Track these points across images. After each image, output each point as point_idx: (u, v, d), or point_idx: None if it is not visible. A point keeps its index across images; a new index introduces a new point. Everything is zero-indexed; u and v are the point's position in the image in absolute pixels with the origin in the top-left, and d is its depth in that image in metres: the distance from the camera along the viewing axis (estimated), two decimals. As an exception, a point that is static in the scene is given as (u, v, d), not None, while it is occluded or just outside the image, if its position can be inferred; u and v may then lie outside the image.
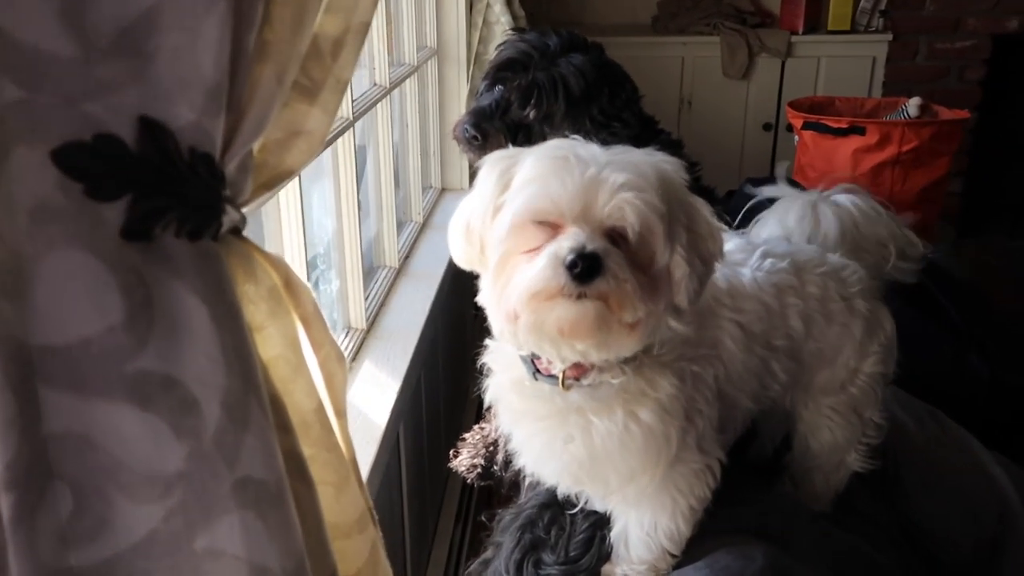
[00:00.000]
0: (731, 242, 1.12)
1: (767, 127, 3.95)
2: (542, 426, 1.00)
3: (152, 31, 0.43)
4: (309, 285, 0.59)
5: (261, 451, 0.50)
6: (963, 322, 2.20)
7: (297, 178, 1.37)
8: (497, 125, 1.80)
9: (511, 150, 0.96)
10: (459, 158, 2.89)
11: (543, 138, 1.82)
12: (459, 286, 2.57)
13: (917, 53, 3.95)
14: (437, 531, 2.30)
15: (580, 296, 0.82)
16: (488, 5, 2.74)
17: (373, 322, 1.89)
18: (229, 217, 0.52)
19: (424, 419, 2.10)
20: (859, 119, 2.82)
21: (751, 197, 2.36)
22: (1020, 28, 3.87)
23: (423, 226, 2.54)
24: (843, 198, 1.26)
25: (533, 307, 0.84)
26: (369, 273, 2.11)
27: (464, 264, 0.98)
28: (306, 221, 1.52)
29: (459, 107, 2.81)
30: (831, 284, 1.13)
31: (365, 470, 1.38)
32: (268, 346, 0.55)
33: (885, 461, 1.31)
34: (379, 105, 2.04)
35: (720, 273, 1.06)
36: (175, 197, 0.47)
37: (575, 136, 0.96)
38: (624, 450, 0.95)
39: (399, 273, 2.18)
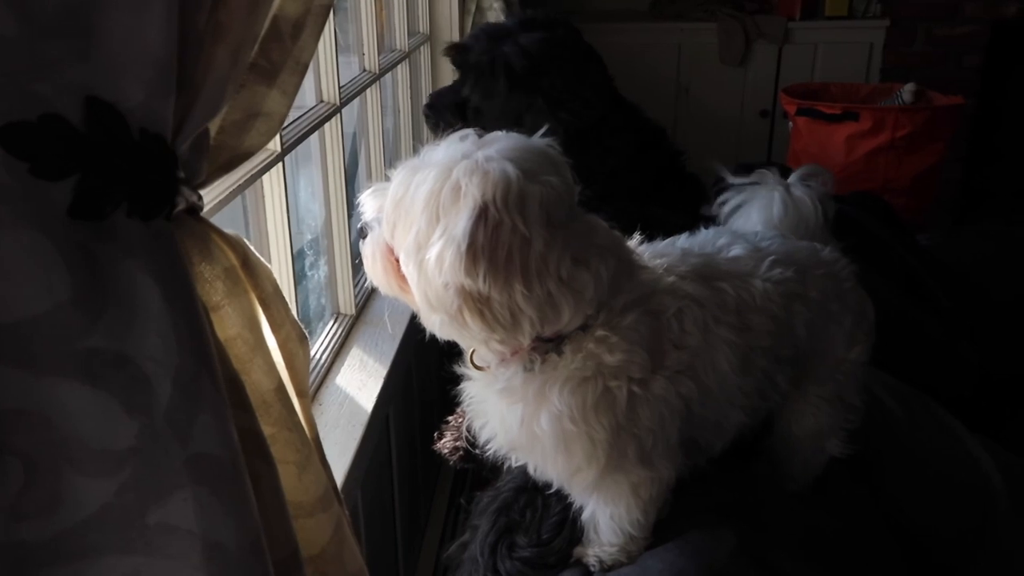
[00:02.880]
0: (738, 247, 1.10)
1: (764, 114, 3.94)
2: (483, 408, 1.02)
3: (97, 8, 0.44)
4: (269, 265, 0.59)
5: (215, 428, 0.50)
6: (954, 308, 2.20)
7: (281, 164, 1.37)
8: (447, 105, 1.85)
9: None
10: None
11: (492, 117, 1.84)
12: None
13: (915, 39, 3.94)
14: (430, 516, 2.32)
15: None
16: (481, -9, 2.73)
17: (363, 308, 1.89)
18: (184, 197, 0.52)
19: (416, 405, 2.11)
20: (853, 105, 2.81)
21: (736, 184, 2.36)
22: (1019, 14, 3.85)
23: (416, 213, 2.53)
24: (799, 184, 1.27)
25: None
26: (360, 262, 2.11)
27: None
28: (294, 208, 1.53)
29: (452, 94, 2.81)
30: (830, 285, 1.13)
31: (350, 455, 1.38)
32: (225, 325, 0.55)
33: (868, 446, 1.32)
34: (369, 91, 2.04)
35: (729, 286, 1.05)
36: (125, 177, 0.48)
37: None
38: (537, 444, 0.97)
39: (390, 259, 2.18)
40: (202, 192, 0.56)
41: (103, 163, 0.46)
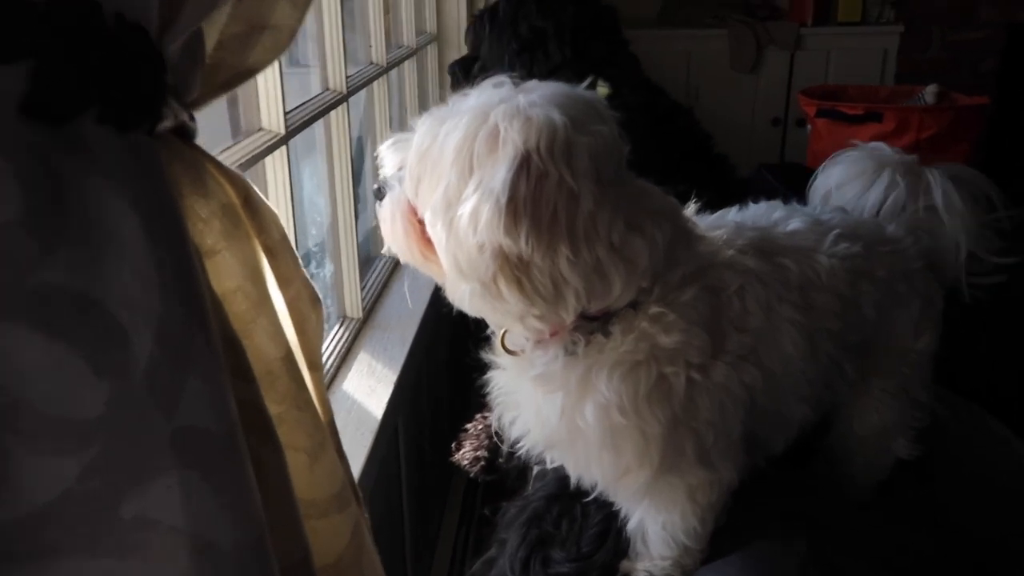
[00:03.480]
0: (798, 219, 1.00)
1: (776, 122, 3.85)
2: (515, 400, 0.91)
3: None
4: (276, 211, 0.49)
5: (208, 397, 0.40)
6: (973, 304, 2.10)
7: (284, 149, 1.28)
8: (462, 62, 1.89)
9: None
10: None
11: (486, 67, 1.79)
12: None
13: (930, 44, 3.86)
14: (441, 530, 2.20)
15: None
16: (489, -9, 2.65)
17: (370, 312, 1.79)
18: (172, 111, 0.42)
19: (426, 413, 2.00)
20: (877, 105, 2.72)
21: (766, 183, 2.26)
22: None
23: (423, 217, 2.44)
24: (933, 169, 1.15)
25: None
26: (367, 263, 2.01)
27: None
28: (298, 200, 1.43)
29: (460, 96, 2.72)
30: (897, 264, 1.03)
31: (359, 464, 1.28)
32: (223, 275, 0.45)
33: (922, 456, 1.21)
34: (376, 85, 1.94)
35: (792, 262, 0.94)
36: (94, 73, 0.37)
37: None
38: (579, 440, 0.85)
39: (398, 263, 2.08)
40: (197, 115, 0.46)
41: (65, 50, 0.36)
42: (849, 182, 1.14)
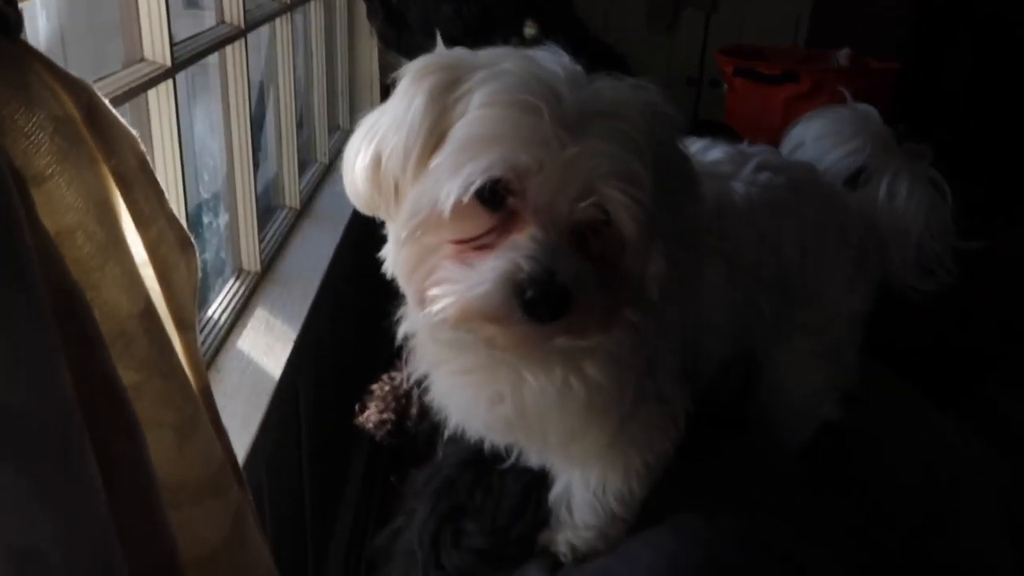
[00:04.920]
0: (719, 150, 0.95)
1: (691, 81, 3.84)
2: (465, 380, 0.82)
3: None
4: (134, 132, 0.39)
5: (25, 368, 0.30)
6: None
7: (171, 84, 1.14)
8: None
9: (449, 57, 0.74)
10: (370, 98, 2.67)
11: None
12: (370, 230, 2.36)
13: (842, 9, 3.89)
14: (343, 497, 2.11)
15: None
16: (402, -70, 2.51)
17: (269, 265, 1.67)
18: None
19: (329, 373, 1.90)
20: (794, 65, 2.71)
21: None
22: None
23: (329, 168, 2.31)
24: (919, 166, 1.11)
25: (465, 321, 0.66)
26: (267, 213, 1.89)
27: (363, 207, 0.78)
28: (189, 146, 1.30)
29: (371, 42, 2.58)
30: (828, 208, 0.99)
31: (254, 429, 1.18)
32: (56, 208, 0.35)
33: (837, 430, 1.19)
34: (279, 33, 1.80)
35: (707, 189, 0.89)
36: None
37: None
38: (564, 410, 0.79)
39: (301, 215, 1.96)
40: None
41: None
42: (825, 137, 1.09)
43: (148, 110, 1.13)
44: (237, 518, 0.48)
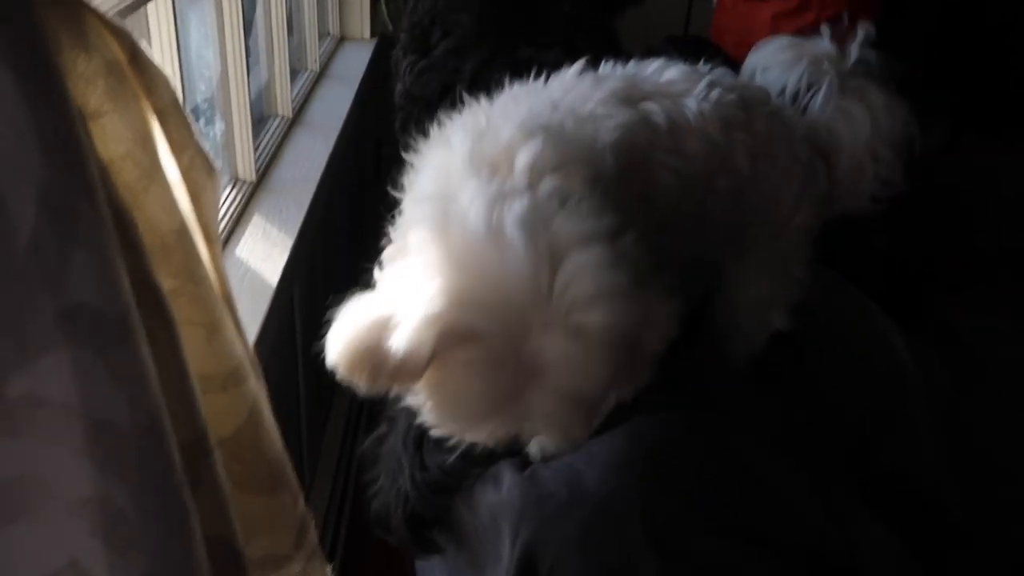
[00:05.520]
0: (674, 69, 1.01)
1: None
2: None
3: None
4: (167, 73, 0.45)
5: (98, 272, 0.37)
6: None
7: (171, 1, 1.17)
8: None
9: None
10: (360, 5, 2.66)
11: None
12: (360, 139, 2.40)
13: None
14: (333, 403, 2.22)
15: None
16: None
17: (264, 174, 1.73)
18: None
19: (320, 283, 1.97)
20: (781, -19, 2.71)
21: (670, 54, 2.24)
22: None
23: (320, 75, 2.33)
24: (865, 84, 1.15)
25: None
26: (260, 123, 1.92)
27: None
28: (185, 54, 1.34)
29: (360, -53, 2.56)
30: (778, 124, 1.05)
31: (254, 332, 1.25)
32: (109, 140, 0.42)
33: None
34: (269, -71, 1.80)
35: (660, 108, 0.95)
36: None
37: None
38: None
39: (293, 123, 2.00)
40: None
41: None
42: (774, 66, 1.14)
43: (147, 21, 1.17)
44: (254, 406, 0.56)
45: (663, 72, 1.04)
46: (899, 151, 1.14)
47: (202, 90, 1.49)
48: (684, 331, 1.14)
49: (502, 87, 1.03)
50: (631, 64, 1.06)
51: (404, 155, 1.59)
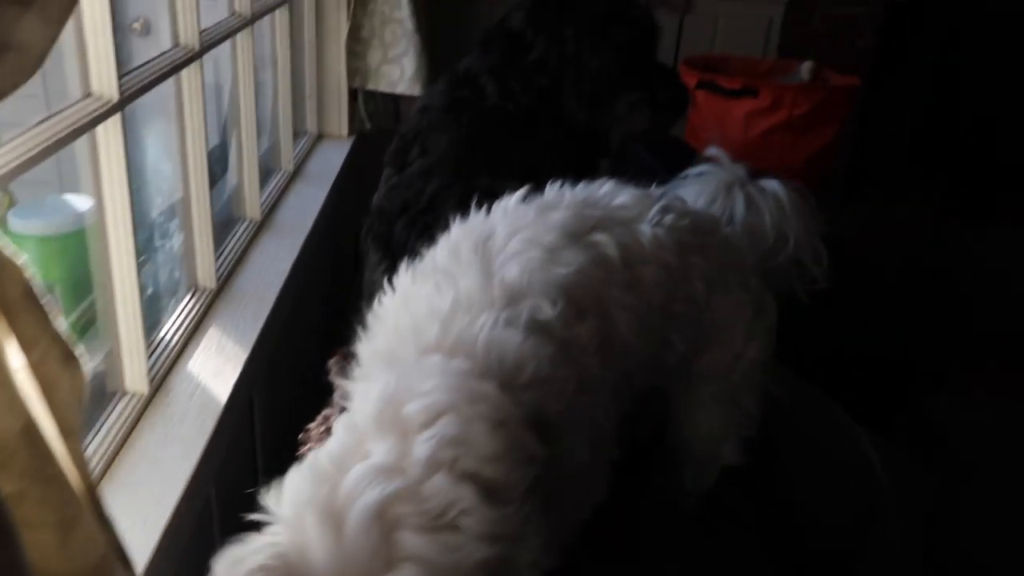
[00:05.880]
0: (624, 193, 1.00)
1: (664, 85, 3.87)
2: None
3: None
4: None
5: None
6: (836, 290, 2.18)
7: (119, 117, 1.17)
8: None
9: None
10: (338, 103, 2.69)
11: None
12: (333, 241, 2.39)
13: (813, 17, 3.93)
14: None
15: None
16: (371, -64, 2.53)
17: (226, 281, 1.71)
18: None
19: (285, 387, 1.94)
20: (753, 80, 2.76)
21: (641, 159, 2.26)
22: (911, -3, 3.89)
23: (294, 175, 2.34)
24: (770, 184, 1.17)
25: None
26: (227, 226, 1.91)
27: None
28: (141, 169, 1.33)
29: (339, 47, 2.60)
30: (730, 251, 1.04)
31: (197, 454, 1.22)
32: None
33: (762, 442, 1.24)
34: (239, 39, 1.83)
35: (611, 239, 0.94)
36: None
37: None
38: None
39: (262, 226, 1.99)
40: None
41: None
42: (698, 199, 1.16)
43: (96, 143, 1.17)
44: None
45: (614, 196, 1.03)
46: (815, 235, 1.16)
47: (158, 203, 1.49)
48: (637, 465, 1.11)
49: (454, 215, 1.02)
50: (580, 187, 1.05)
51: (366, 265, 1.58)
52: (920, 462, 1.92)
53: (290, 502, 0.70)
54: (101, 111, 1.12)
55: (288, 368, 1.93)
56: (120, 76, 1.15)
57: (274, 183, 2.20)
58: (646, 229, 0.97)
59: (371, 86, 2.65)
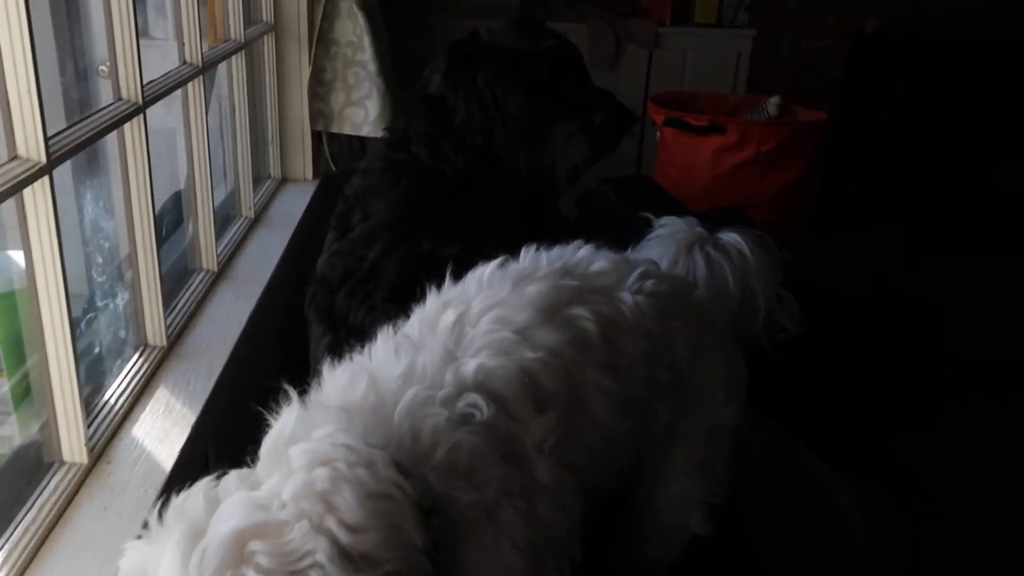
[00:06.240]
0: (602, 259, 0.96)
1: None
2: None
3: None
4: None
5: None
6: (812, 334, 2.15)
7: (47, 179, 1.12)
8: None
9: None
10: (301, 146, 2.65)
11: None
12: (297, 283, 2.34)
13: (780, 50, 3.96)
14: None
15: None
16: (332, -21, 2.50)
17: (178, 337, 1.65)
18: None
19: (246, 441, 1.87)
20: (720, 117, 2.74)
21: (607, 199, 2.23)
22: (877, 30, 3.92)
23: (255, 222, 2.29)
24: (730, 239, 1.14)
25: None
26: (183, 277, 1.86)
27: None
28: (76, 228, 1.28)
29: (301, 89, 2.57)
30: (705, 314, 1.01)
31: (141, 519, 1.15)
32: None
33: (730, 507, 1.20)
34: (191, 88, 1.78)
35: (590, 312, 0.90)
36: None
37: None
38: None
39: (219, 276, 1.94)
40: None
41: None
42: (661, 259, 1.13)
43: (24, 208, 1.11)
44: None
45: (591, 262, 0.99)
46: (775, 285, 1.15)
47: (99, 263, 1.43)
48: (603, 534, 1.07)
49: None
50: (555, 251, 1.01)
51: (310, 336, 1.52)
52: (898, 504, 1.88)
53: (173, 511, 0.70)
54: (26, 175, 1.07)
55: (247, 419, 1.87)
56: (47, 138, 1.10)
57: (233, 230, 2.16)
58: (627, 297, 0.94)
59: (335, 129, 2.62)
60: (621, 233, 2.32)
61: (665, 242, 1.15)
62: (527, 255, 0.99)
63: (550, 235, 1.11)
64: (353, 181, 1.65)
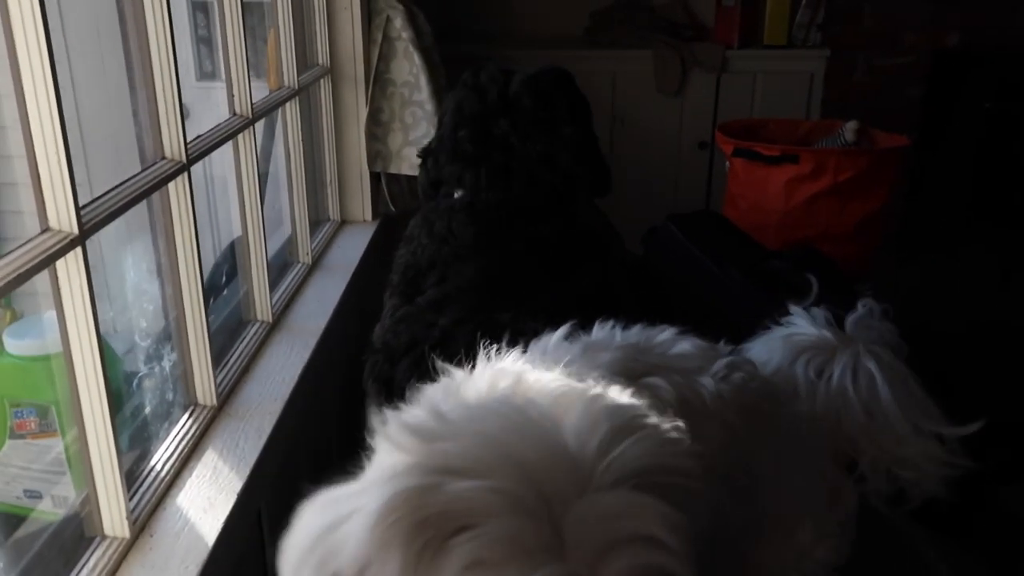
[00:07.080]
0: (686, 342, 0.86)
1: (703, 145, 3.74)
2: None
3: None
4: None
5: None
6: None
7: (80, 250, 1.08)
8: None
9: (420, 494, 0.64)
10: (360, 187, 2.63)
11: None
12: (358, 325, 2.29)
13: (855, 69, 3.79)
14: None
15: None
16: (388, 19, 2.48)
17: (229, 394, 1.61)
18: None
19: (301, 497, 1.82)
20: (792, 146, 2.61)
21: (674, 238, 2.12)
22: (960, 43, 3.72)
23: (312, 267, 2.26)
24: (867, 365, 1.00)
25: None
26: (238, 328, 1.83)
27: None
28: (120, 291, 1.25)
29: (358, 131, 2.55)
30: (804, 427, 0.88)
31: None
32: None
33: None
34: (241, 139, 1.76)
35: (668, 384, 0.79)
36: None
37: None
38: None
39: (274, 327, 1.90)
40: None
41: None
42: (768, 362, 1.00)
43: (57, 281, 1.08)
44: None
45: (674, 344, 0.88)
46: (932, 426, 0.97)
47: (143, 326, 1.40)
48: None
49: (467, 353, 0.88)
50: (635, 330, 0.91)
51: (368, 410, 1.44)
52: (1004, 569, 1.71)
53: None
54: (58, 247, 1.03)
55: (302, 473, 1.82)
56: (79, 208, 1.07)
57: (290, 278, 2.12)
58: (708, 383, 0.83)
59: (393, 169, 2.58)
60: (687, 272, 2.22)
61: (776, 342, 1.01)
62: (600, 329, 0.89)
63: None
64: (417, 251, 1.56)
